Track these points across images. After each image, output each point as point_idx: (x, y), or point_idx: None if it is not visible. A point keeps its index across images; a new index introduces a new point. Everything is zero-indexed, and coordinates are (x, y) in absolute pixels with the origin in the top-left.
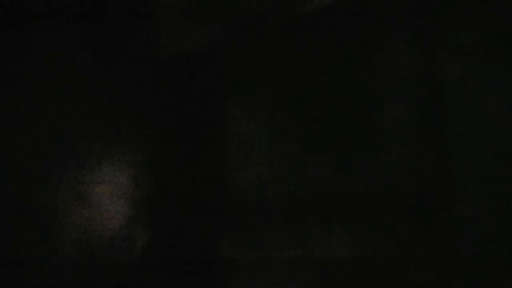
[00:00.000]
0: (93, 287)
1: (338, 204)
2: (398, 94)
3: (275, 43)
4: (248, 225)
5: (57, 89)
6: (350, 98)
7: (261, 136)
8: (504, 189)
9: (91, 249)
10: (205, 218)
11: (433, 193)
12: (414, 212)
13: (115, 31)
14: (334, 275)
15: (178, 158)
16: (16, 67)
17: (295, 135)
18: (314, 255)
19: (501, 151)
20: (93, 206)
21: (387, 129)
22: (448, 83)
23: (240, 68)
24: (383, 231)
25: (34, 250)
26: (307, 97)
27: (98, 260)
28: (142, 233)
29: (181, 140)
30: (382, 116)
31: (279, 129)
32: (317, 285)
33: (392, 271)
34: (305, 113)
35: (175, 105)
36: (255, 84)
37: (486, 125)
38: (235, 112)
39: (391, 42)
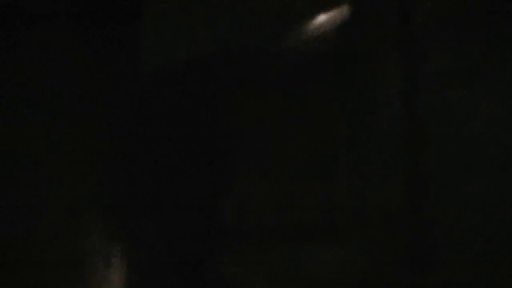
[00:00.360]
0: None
1: (322, 224)
2: (378, 118)
3: (270, 63)
4: (235, 243)
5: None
6: (333, 121)
7: (251, 155)
8: (482, 211)
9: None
10: (197, 238)
11: (412, 216)
12: (393, 233)
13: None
14: None
15: (165, 176)
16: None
17: (281, 159)
18: (300, 273)
19: (480, 178)
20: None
21: (370, 154)
22: (428, 109)
23: (233, 84)
24: (366, 251)
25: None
26: (290, 125)
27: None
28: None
29: (170, 158)
30: (363, 139)
31: (269, 151)
32: None
33: None
34: (289, 141)
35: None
36: (252, 100)
37: (466, 151)
38: (229, 130)
39: (373, 68)
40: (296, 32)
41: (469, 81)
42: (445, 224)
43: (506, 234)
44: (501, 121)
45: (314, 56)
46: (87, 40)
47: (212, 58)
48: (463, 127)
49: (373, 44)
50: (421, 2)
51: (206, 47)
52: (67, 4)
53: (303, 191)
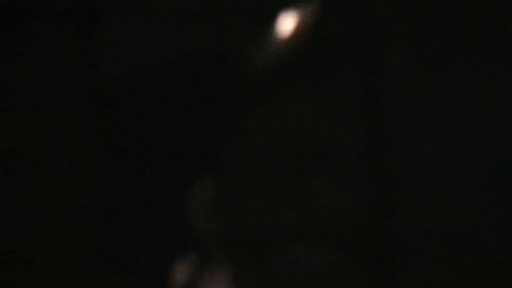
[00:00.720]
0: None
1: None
2: (341, 123)
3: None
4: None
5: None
6: (296, 132)
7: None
8: (448, 220)
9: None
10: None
11: (376, 225)
12: (358, 240)
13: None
14: None
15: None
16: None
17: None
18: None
19: (447, 183)
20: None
21: (333, 162)
22: (390, 110)
23: (202, 86)
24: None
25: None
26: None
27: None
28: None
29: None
30: (327, 140)
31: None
32: None
33: None
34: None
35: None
36: (219, 103)
37: (431, 155)
38: (197, 136)
39: (335, 70)
40: (262, 36)
41: (431, 80)
42: (408, 224)
43: (471, 236)
44: (463, 119)
45: (280, 57)
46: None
47: (180, 59)
48: (426, 126)
49: (334, 47)
50: (381, 2)
51: (172, 49)
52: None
53: (284, 214)
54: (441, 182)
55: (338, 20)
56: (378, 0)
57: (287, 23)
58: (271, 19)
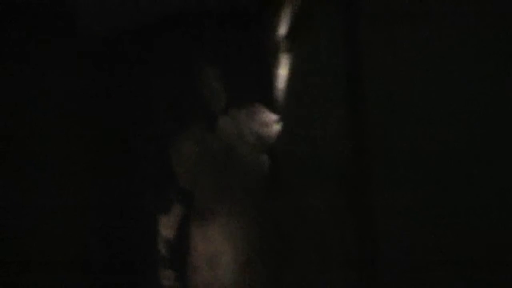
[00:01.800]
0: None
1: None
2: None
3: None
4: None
5: None
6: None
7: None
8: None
9: None
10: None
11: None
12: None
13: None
14: None
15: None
16: None
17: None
18: None
19: (427, 140)
20: None
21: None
22: (369, 47)
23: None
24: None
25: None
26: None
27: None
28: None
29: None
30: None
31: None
32: None
33: None
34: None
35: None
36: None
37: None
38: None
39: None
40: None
41: (413, 19)
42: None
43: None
44: (445, 57)
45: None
46: None
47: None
48: (405, 63)
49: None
50: None
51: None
52: None
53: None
54: (419, 122)
55: None
56: None
57: None
58: None
